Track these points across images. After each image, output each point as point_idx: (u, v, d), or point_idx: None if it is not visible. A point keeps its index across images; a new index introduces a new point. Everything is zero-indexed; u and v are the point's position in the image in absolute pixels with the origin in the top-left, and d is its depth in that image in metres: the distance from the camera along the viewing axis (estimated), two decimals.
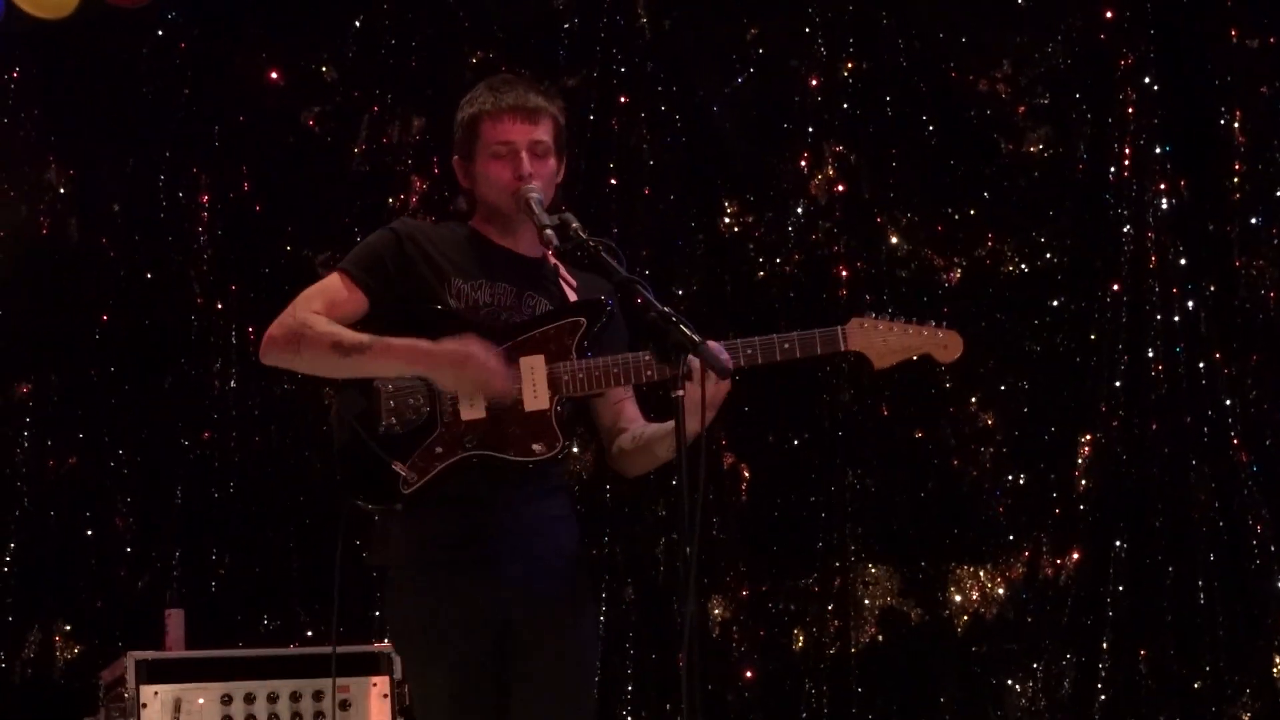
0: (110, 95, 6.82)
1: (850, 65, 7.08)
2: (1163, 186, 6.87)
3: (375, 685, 5.49)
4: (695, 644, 3.63)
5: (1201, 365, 6.81)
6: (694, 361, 3.74)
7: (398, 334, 4.05)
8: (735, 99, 7.10)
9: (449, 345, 3.99)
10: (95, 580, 6.60)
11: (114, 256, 6.80)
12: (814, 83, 7.07)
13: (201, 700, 5.36)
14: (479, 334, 4.04)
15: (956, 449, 6.95)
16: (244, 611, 6.63)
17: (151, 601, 6.31)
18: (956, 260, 7.00)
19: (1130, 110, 6.91)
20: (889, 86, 7.06)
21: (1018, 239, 7.02)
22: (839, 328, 4.17)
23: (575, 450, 6.14)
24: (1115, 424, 6.84)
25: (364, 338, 4.04)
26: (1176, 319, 6.83)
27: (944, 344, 4.26)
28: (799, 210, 7.03)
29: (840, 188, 7.03)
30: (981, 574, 6.93)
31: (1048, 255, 7.00)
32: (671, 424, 3.87)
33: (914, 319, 4.26)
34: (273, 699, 5.41)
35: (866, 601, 6.89)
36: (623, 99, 7.05)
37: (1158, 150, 6.89)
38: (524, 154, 4.15)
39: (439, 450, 4.05)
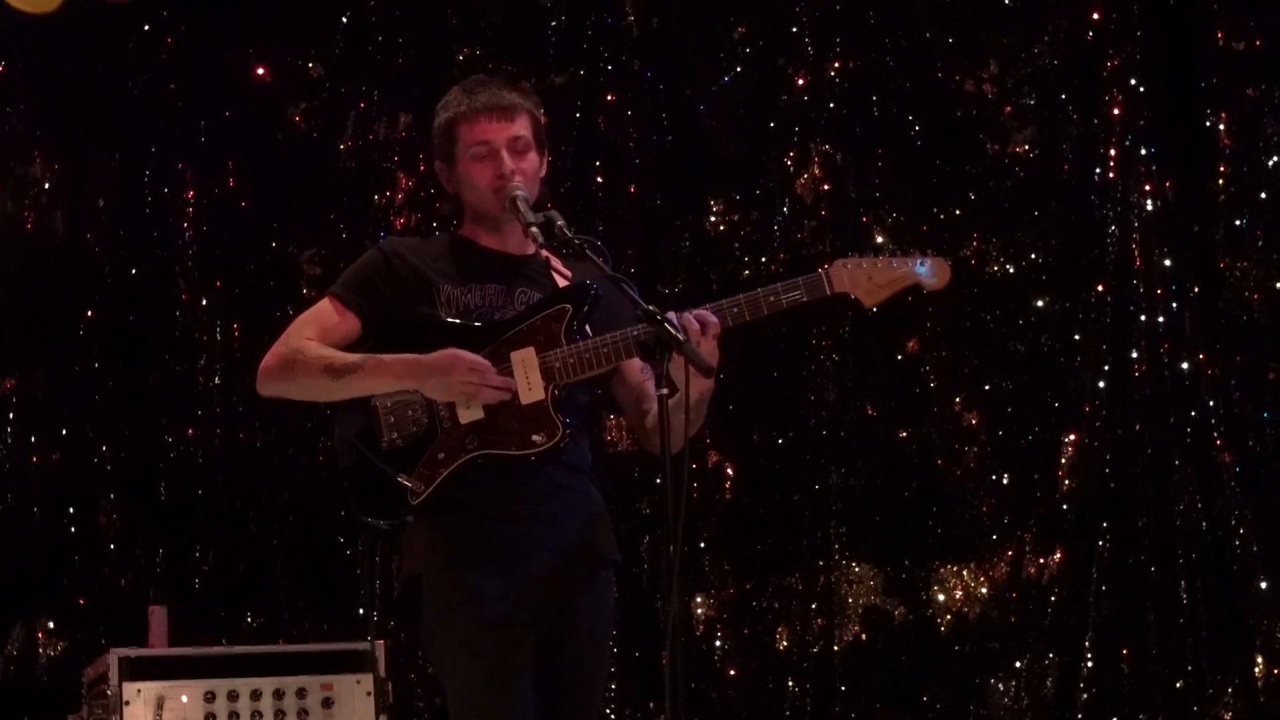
0: (96, 90, 6.80)
1: (837, 64, 7.09)
2: (1148, 188, 6.89)
3: (359, 683, 5.48)
4: (679, 642, 3.63)
5: (1185, 366, 6.83)
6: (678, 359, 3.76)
7: (393, 350, 4.06)
8: (722, 97, 7.10)
9: (435, 355, 4.00)
10: (79, 577, 6.59)
11: (99, 252, 6.79)
12: (801, 82, 7.07)
13: (185, 697, 5.35)
14: (470, 338, 4.05)
15: (941, 449, 6.96)
16: (228, 609, 6.62)
17: (135, 598, 6.30)
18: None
19: (1116, 111, 6.92)
20: (876, 86, 7.07)
21: (1003, 239, 7.02)
22: (822, 271, 4.12)
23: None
24: (1099, 424, 6.86)
25: (355, 358, 4.06)
26: (1161, 320, 6.84)
27: (932, 271, 4.19)
28: (785, 209, 7.03)
29: (826, 187, 7.03)
30: (965, 573, 6.94)
31: (1033, 255, 7.01)
32: (679, 396, 3.86)
33: (897, 251, 4.20)
34: (256, 696, 5.40)
35: (850, 600, 6.90)
36: (610, 97, 7.05)
37: (1143, 151, 6.90)
38: (504, 152, 4.14)
39: (442, 456, 4.05)
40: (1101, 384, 6.87)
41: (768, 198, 7.06)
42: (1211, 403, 6.80)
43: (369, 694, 5.47)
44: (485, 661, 3.99)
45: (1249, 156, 6.84)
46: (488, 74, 4.47)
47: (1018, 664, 6.84)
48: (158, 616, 5.79)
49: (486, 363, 4.01)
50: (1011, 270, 7.03)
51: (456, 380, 3.99)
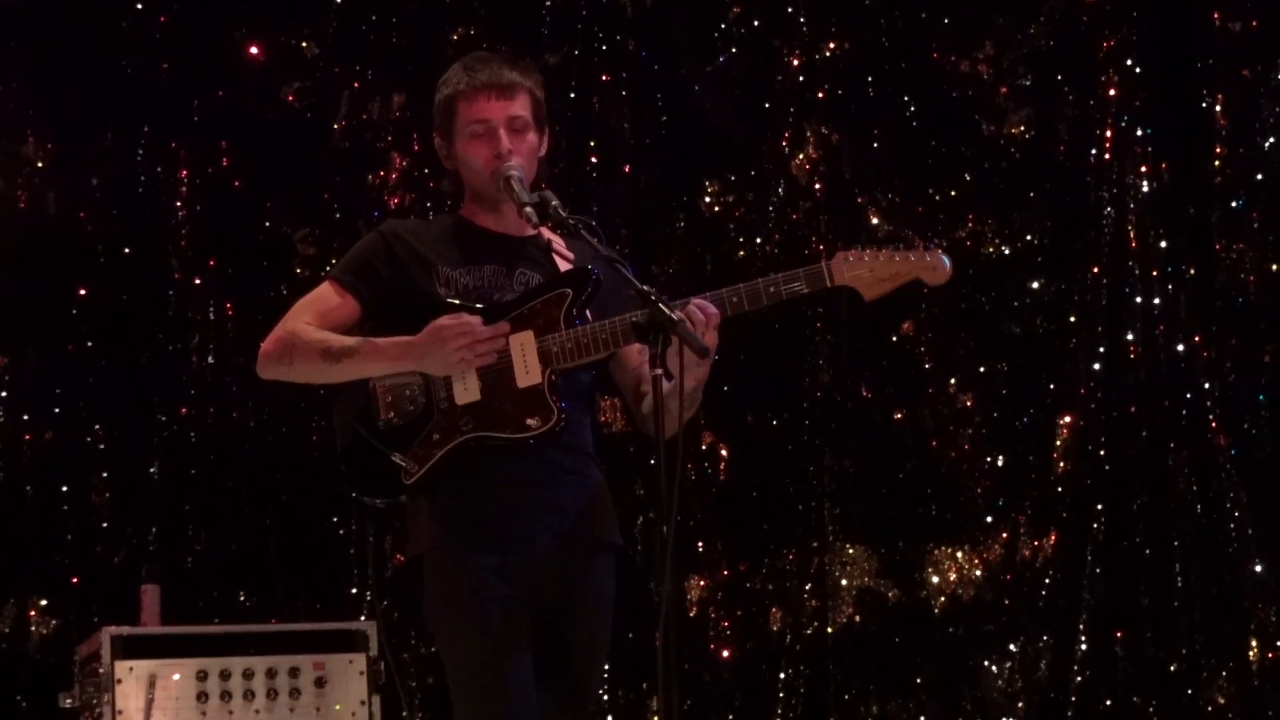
0: (89, 69, 6.77)
1: (832, 45, 7.08)
2: (1144, 169, 6.89)
3: (352, 662, 5.48)
4: (672, 623, 3.63)
5: (1181, 348, 6.83)
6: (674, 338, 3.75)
7: (393, 332, 4.06)
8: (717, 78, 7.09)
9: (421, 333, 4.01)
10: (71, 555, 6.57)
11: (91, 231, 6.76)
12: (796, 62, 7.06)
13: (177, 676, 5.35)
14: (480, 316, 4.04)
15: (935, 430, 6.96)
16: (220, 587, 6.60)
17: (128, 577, 6.29)
18: (937, 241, 6.93)
19: (1112, 93, 6.92)
20: (871, 67, 7.06)
21: (998, 220, 7.02)
22: (824, 263, 4.10)
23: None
24: (1094, 406, 6.86)
25: (351, 342, 4.07)
26: (1156, 302, 6.85)
27: (931, 266, 4.15)
28: (780, 190, 7.03)
29: (821, 168, 7.02)
30: (959, 555, 6.94)
31: (1028, 237, 7.01)
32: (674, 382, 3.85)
33: (899, 245, 4.18)
34: (248, 675, 5.40)
35: (844, 582, 6.90)
36: (604, 77, 7.03)
37: (1139, 133, 6.90)
38: (501, 131, 4.13)
39: (436, 437, 4.05)
40: (1096, 366, 6.87)
41: (763, 179, 7.05)
42: (1207, 385, 6.80)
43: (362, 673, 5.47)
44: (486, 641, 3.99)
45: (1245, 138, 6.84)
46: (486, 52, 4.45)
47: (1012, 646, 6.85)
48: (150, 595, 5.79)
49: (471, 319, 4.00)
50: (1007, 252, 7.02)
51: (450, 349, 3.98)
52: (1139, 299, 6.84)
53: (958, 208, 7.02)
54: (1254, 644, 6.72)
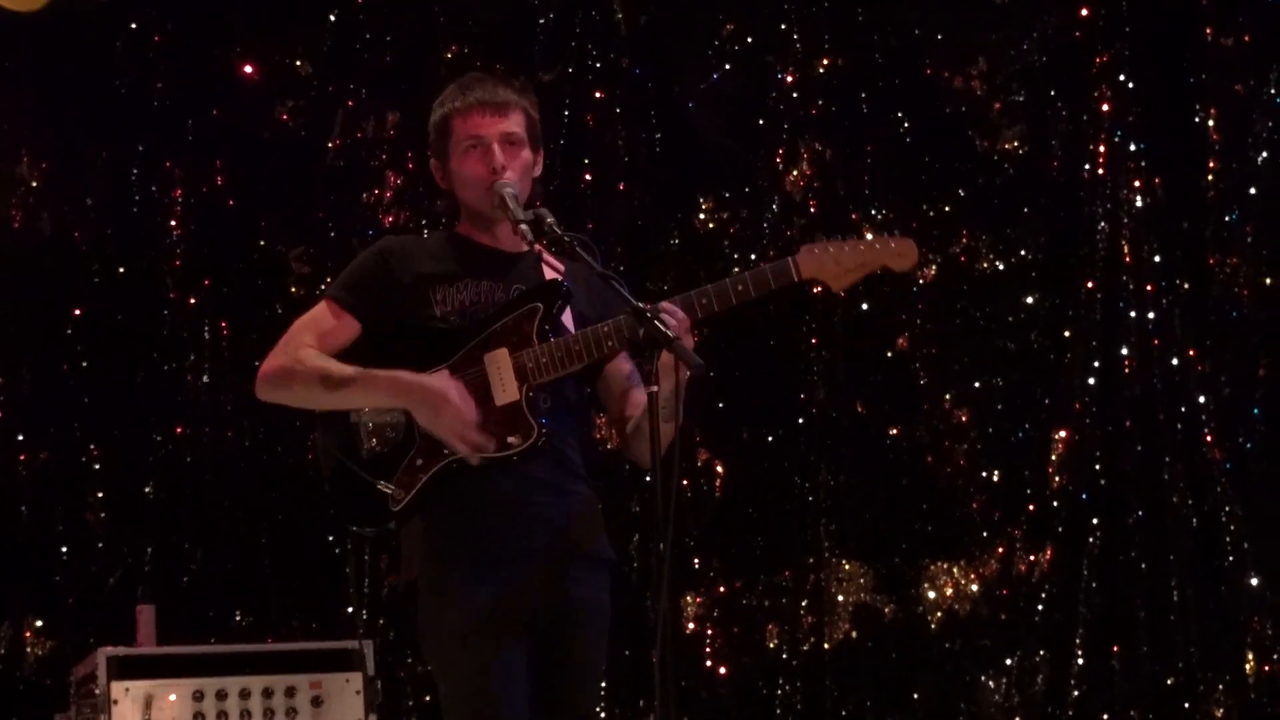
0: (83, 88, 6.78)
1: (826, 61, 7.09)
2: (1137, 184, 6.89)
3: (349, 682, 5.47)
4: (669, 641, 3.63)
5: (1175, 362, 6.83)
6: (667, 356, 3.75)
7: (390, 350, 4.07)
8: (711, 95, 7.10)
9: (429, 383, 4.00)
10: (67, 576, 6.57)
11: (87, 250, 6.77)
12: (790, 79, 7.07)
13: (173, 696, 5.34)
14: (457, 341, 4.05)
15: (931, 446, 6.96)
16: (216, 607, 6.60)
17: (123, 597, 6.28)
18: (931, 257, 7.01)
19: (1105, 108, 6.93)
20: (865, 83, 7.07)
21: (992, 236, 7.03)
22: (789, 258, 4.07)
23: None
24: (1089, 421, 6.86)
25: (350, 372, 4.06)
26: (1150, 316, 6.85)
27: (898, 252, 4.11)
28: (774, 206, 7.04)
29: (815, 184, 7.03)
30: (955, 570, 6.94)
31: (1022, 252, 7.02)
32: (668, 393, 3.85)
33: (866, 232, 4.15)
34: (245, 695, 5.39)
35: (840, 598, 6.90)
36: (598, 95, 7.04)
37: (1133, 148, 6.91)
38: (496, 146, 4.14)
39: (420, 462, 4.05)
40: (1091, 380, 6.88)
41: (757, 195, 7.06)
42: (1201, 399, 6.81)
43: (358, 693, 5.47)
44: (479, 660, 3.99)
45: (1238, 152, 6.85)
46: (481, 72, 4.47)
47: (1008, 661, 6.84)
48: (146, 615, 5.78)
49: (472, 414, 3.99)
50: (1001, 267, 7.03)
51: (442, 423, 3.99)
52: (1133, 313, 6.85)
53: (952, 223, 7.03)
54: (1250, 657, 6.72)
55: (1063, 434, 6.90)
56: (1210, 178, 6.88)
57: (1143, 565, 6.76)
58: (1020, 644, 6.84)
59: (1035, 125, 7.03)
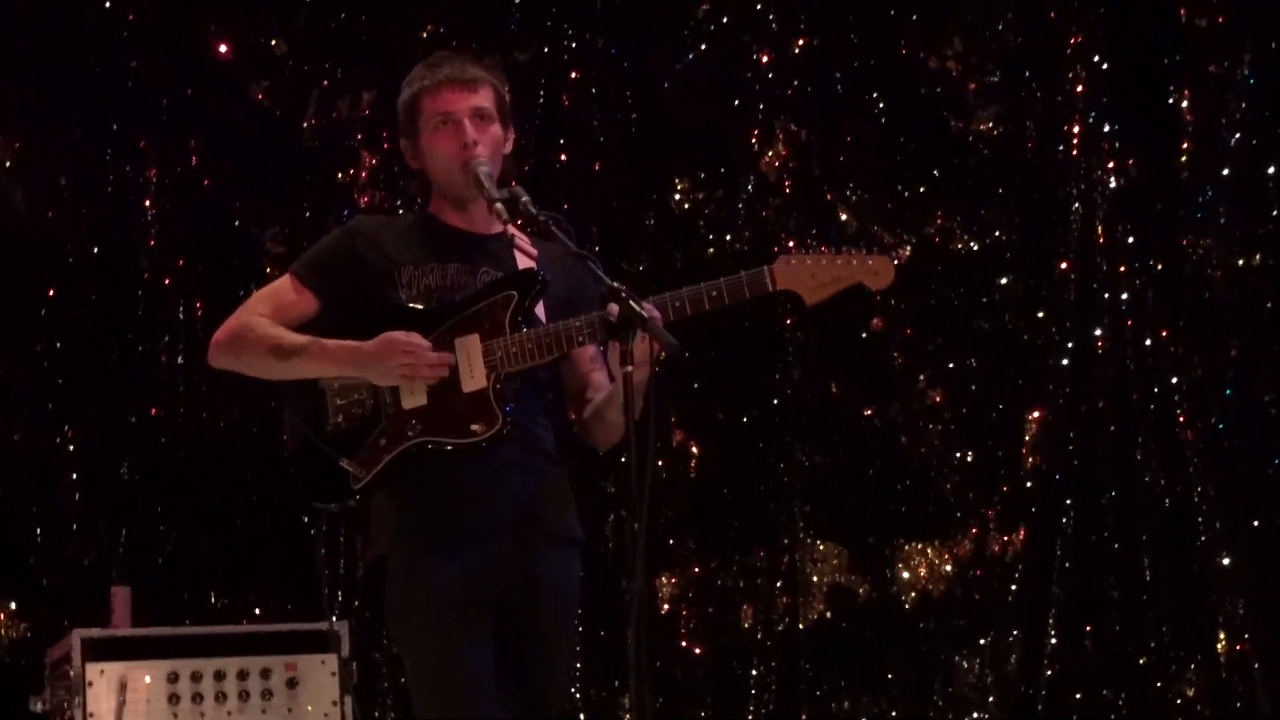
0: (57, 67, 6.74)
1: (801, 42, 7.08)
2: (1111, 165, 6.90)
3: (324, 663, 5.47)
4: (643, 621, 3.63)
5: (1148, 343, 6.85)
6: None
7: (350, 331, 4.05)
8: (686, 75, 7.09)
9: (371, 342, 4.00)
10: (41, 558, 6.55)
11: (60, 230, 6.74)
12: (765, 59, 7.07)
13: (148, 678, 5.33)
14: (422, 322, 4.04)
15: (905, 426, 6.97)
16: (191, 589, 6.59)
17: (98, 579, 6.27)
18: (906, 237, 7.02)
19: (1080, 89, 6.94)
20: (840, 63, 7.06)
21: (967, 217, 7.04)
22: (765, 267, 4.07)
23: None
24: (1063, 402, 6.88)
25: (301, 341, 4.05)
26: (1124, 297, 6.87)
27: (874, 270, 4.12)
28: (749, 187, 7.03)
29: (791, 164, 7.03)
30: (929, 551, 6.96)
31: (997, 233, 7.03)
32: (616, 385, 3.85)
33: (845, 248, 4.17)
34: (220, 677, 5.38)
35: (815, 578, 6.91)
36: (573, 74, 7.03)
37: (1107, 129, 6.92)
38: (466, 121, 4.12)
39: (384, 442, 4.04)
40: (1065, 361, 6.89)
41: (732, 175, 7.05)
42: (1175, 379, 6.83)
43: (333, 674, 5.46)
44: (446, 642, 3.98)
45: (1212, 133, 6.86)
46: (451, 50, 4.46)
47: (982, 641, 6.87)
48: (120, 597, 5.77)
49: (421, 342, 3.99)
50: (975, 248, 7.04)
51: (394, 365, 3.98)
52: (1107, 294, 6.86)
53: (927, 204, 7.03)
54: (1222, 636, 6.75)
55: (1036, 414, 6.92)
56: (1184, 159, 6.90)
57: (1115, 545, 6.79)
58: (994, 624, 6.86)
59: (1010, 106, 7.03)
